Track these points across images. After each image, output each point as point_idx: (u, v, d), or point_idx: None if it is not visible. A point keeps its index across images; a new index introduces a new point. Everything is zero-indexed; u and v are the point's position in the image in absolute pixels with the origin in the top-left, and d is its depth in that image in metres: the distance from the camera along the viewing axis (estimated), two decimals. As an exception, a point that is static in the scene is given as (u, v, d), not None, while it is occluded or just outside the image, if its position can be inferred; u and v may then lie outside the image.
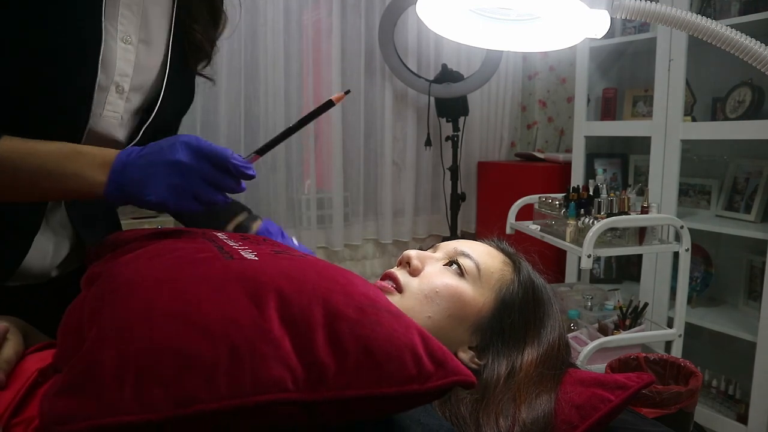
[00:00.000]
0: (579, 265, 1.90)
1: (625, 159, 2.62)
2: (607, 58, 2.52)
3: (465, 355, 0.76)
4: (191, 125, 2.37)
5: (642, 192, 1.77)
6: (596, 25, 0.67)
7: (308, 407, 0.50)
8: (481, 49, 2.70)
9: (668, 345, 1.74)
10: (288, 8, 2.50)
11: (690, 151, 2.22)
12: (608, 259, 2.59)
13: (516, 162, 3.07)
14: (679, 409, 1.12)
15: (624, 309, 1.73)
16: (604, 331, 1.70)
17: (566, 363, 0.80)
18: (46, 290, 0.89)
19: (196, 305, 0.53)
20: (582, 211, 1.69)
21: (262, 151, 0.78)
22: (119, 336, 0.50)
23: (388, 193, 2.89)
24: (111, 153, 0.73)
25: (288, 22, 2.52)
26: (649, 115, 2.27)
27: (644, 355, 1.31)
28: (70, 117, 0.79)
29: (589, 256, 1.54)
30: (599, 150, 2.60)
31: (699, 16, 0.67)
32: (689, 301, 1.96)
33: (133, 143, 0.87)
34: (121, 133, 0.86)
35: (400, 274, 0.79)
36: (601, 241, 1.62)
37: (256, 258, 0.65)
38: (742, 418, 1.98)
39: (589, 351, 1.53)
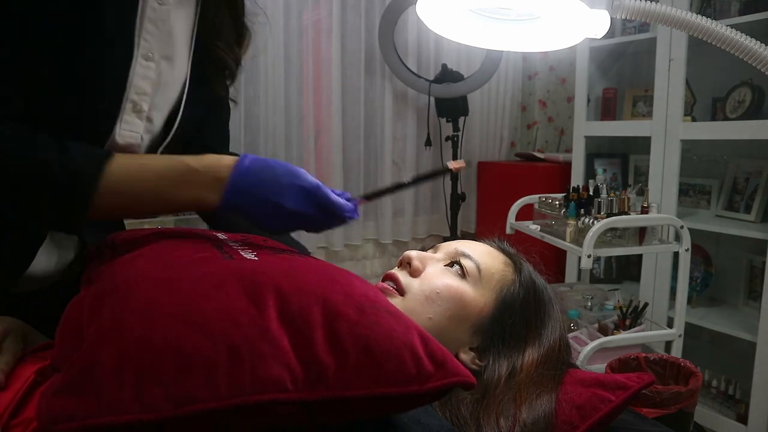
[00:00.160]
0: (579, 265, 1.90)
1: (625, 159, 2.62)
2: (607, 58, 2.52)
3: (466, 356, 0.76)
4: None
5: (642, 192, 1.77)
6: (596, 25, 0.67)
7: (307, 407, 0.50)
8: (481, 49, 2.70)
9: (668, 345, 1.74)
10: (288, 8, 2.50)
11: (690, 151, 2.22)
12: (608, 259, 2.59)
13: (516, 162, 3.07)
14: (679, 409, 1.12)
15: (624, 309, 1.73)
16: (604, 331, 1.70)
17: (567, 363, 0.80)
18: (47, 293, 0.89)
19: (195, 305, 0.53)
20: (582, 211, 1.69)
21: (368, 198, 0.80)
22: (119, 335, 0.50)
23: (388, 193, 2.89)
24: (224, 169, 0.71)
25: (288, 22, 2.52)
26: (649, 115, 2.26)
27: (644, 355, 1.31)
28: (93, 133, 0.77)
29: (589, 256, 1.54)
30: (599, 150, 2.59)
31: (699, 16, 0.67)
32: (689, 301, 1.96)
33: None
34: (141, 151, 0.85)
35: (401, 275, 0.79)
36: (601, 241, 1.62)
37: (256, 258, 0.65)
38: (742, 418, 1.98)
39: (589, 351, 1.53)
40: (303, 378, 0.50)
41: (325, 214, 0.74)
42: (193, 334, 0.50)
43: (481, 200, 3.05)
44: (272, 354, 0.50)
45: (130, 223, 1.06)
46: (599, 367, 1.44)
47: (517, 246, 0.89)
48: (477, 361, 0.76)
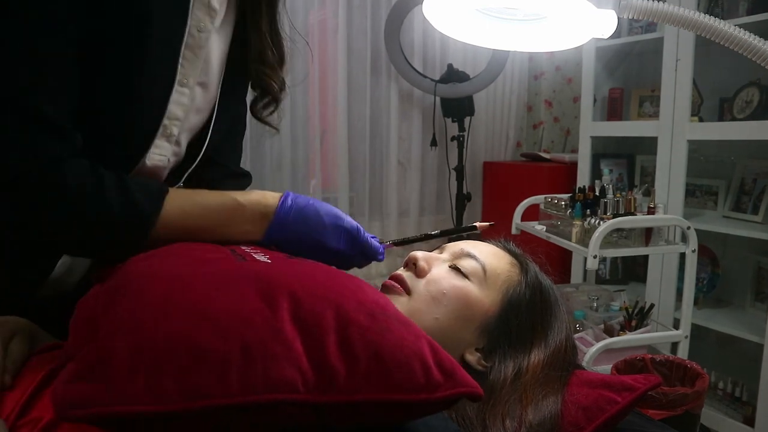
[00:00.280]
0: (585, 265, 1.89)
1: (631, 159, 2.61)
2: (613, 58, 2.52)
3: (472, 357, 0.76)
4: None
5: (648, 192, 1.76)
6: (603, 24, 0.67)
7: (317, 409, 0.51)
8: (487, 49, 2.69)
9: (674, 346, 1.73)
10: (293, 8, 2.50)
11: (697, 151, 2.21)
12: (614, 259, 2.58)
13: (522, 162, 3.06)
14: (685, 411, 1.12)
15: (630, 310, 1.72)
16: (609, 332, 1.69)
17: (573, 364, 0.79)
18: (67, 296, 0.89)
19: (209, 302, 0.54)
20: (588, 211, 1.69)
21: (396, 244, 0.85)
22: (133, 327, 0.51)
23: (394, 194, 2.89)
24: (270, 204, 0.75)
25: (293, 22, 2.51)
26: (655, 115, 2.26)
27: (650, 356, 1.30)
28: (124, 158, 0.77)
29: (595, 257, 1.53)
30: (605, 150, 2.59)
31: (706, 16, 0.67)
32: (696, 302, 1.95)
33: (180, 182, 0.88)
34: (165, 172, 0.86)
35: (407, 275, 0.79)
36: (607, 241, 1.62)
37: (269, 260, 0.66)
38: (749, 420, 1.97)
39: (594, 352, 1.53)
40: (314, 381, 0.51)
41: (361, 255, 0.79)
42: (207, 331, 0.51)
43: (486, 200, 3.05)
44: (285, 355, 0.51)
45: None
46: (605, 368, 1.44)
47: (523, 246, 0.89)
48: (483, 362, 0.76)
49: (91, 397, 0.46)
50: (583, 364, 1.40)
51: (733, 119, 2.09)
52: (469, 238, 0.87)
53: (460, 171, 2.75)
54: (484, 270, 0.79)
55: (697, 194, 2.32)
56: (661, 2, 0.67)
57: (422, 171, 2.97)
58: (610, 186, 1.72)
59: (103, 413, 0.46)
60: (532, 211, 1.98)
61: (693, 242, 1.63)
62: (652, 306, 1.75)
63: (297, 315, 0.54)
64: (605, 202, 1.69)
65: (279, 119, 0.95)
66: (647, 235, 1.67)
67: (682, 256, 1.70)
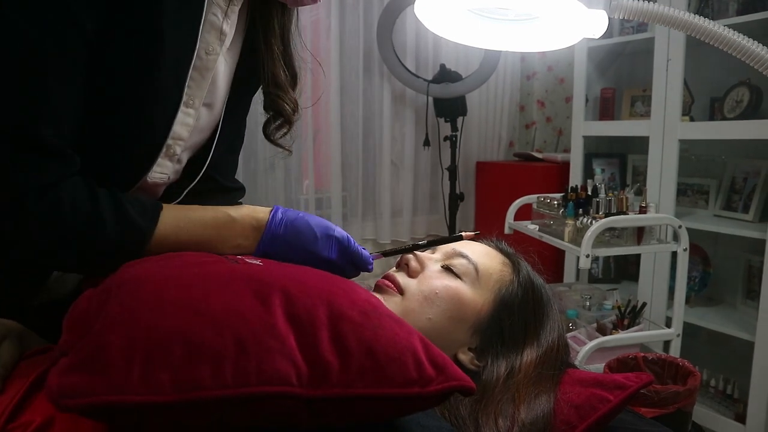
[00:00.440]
0: (577, 264, 1.90)
1: (623, 159, 2.62)
2: (605, 58, 2.53)
3: (465, 357, 0.76)
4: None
5: (640, 192, 1.77)
6: (594, 25, 0.67)
7: (310, 403, 0.51)
8: (479, 49, 2.70)
9: (666, 345, 1.74)
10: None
11: (688, 150, 2.23)
12: (606, 258, 2.59)
13: (514, 162, 3.07)
14: (677, 409, 1.13)
15: (622, 309, 1.73)
16: (602, 330, 1.70)
17: (565, 363, 0.80)
18: (63, 302, 0.88)
19: (203, 298, 0.54)
20: (580, 210, 1.70)
21: (385, 254, 0.85)
22: (128, 321, 0.51)
23: (387, 194, 2.89)
24: (261, 218, 0.76)
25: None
26: (647, 114, 2.27)
27: (642, 354, 1.31)
28: (126, 177, 0.78)
29: (587, 256, 1.54)
30: (597, 150, 2.60)
31: (697, 16, 0.67)
32: (687, 300, 1.96)
33: (179, 199, 0.88)
34: (163, 189, 0.86)
35: (399, 276, 0.80)
36: (600, 240, 1.62)
37: (261, 264, 0.67)
38: (741, 418, 1.98)
39: (587, 351, 1.54)
40: (307, 375, 0.51)
41: (351, 265, 0.79)
42: (202, 325, 0.51)
43: (479, 200, 3.05)
44: (279, 349, 0.51)
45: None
46: (598, 367, 1.44)
47: (516, 246, 0.89)
48: (476, 361, 0.76)
49: (85, 387, 0.47)
50: (576, 362, 1.41)
51: (724, 119, 2.10)
52: (461, 238, 0.88)
53: (452, 171, 2.75)
54: (477, 270, 0.79)
55: (688, 193, 2.33)
56: (651, 2, 0.67)
57: (415, 171, 2.97)
58: (603, 185, 1.72)
59: (98, 403, 0.46)
60: (524, 211, 1.99)
61: (684, 241, 1.64)
62: (644, 305, 1.75)
63: (290, 311, 0.55)
64: (597, 202, 1.69)
65: (291, 141, 0.94)
66: (639, 234, 1.68)
67: (674, 254, 1.71)
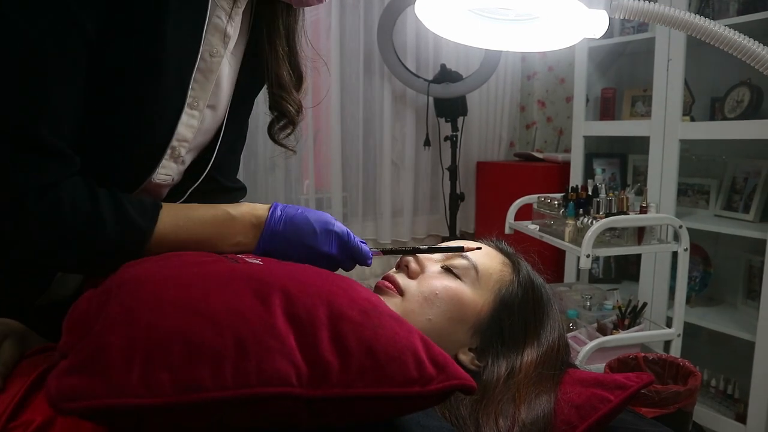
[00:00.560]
0: (578, 264, 1.90)
1: (623, 159, 2.62)
2: (605, 58, 2.52)
3: (465, 357, 0.76)
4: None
5: (641, 192, 1.77)
6: (595, 25, 0.67)
7: (310, 403, 0.51)
8: (479, 49, 2.70)
9: (667, 344, 1.74)
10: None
11: (689, 150, 2.22)
12: (607, 258, 2.59)
13: (515, 162, 3.07)
14: (678, 409, 1.13)
15: (623, 309, 1.73)
16: (603, 330, 1.70)
17: (566, 363, 0.80)
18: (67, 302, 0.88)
19: (203, 298, 0.54)
20: (581, 210, 1.69)
21: (384, 252, 0.86)
22: (128, 322, 0.51)
23: (387, 194, 2.89)
24: (260, 215, 0.76)
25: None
26: (647, 115, 2.27)
27: (643, 354, 1.31)
28: (130, 178, 0.78)
29: (588, 256, 1.54)
30: (598, 150, 2.60)
31: (697, 16, 0.67)
32: (688, 300, 1.96)
33: (183, 199, 0.88)
34: (167, 190, 0.86)
35: (399, 277, 0.80)
36: (600, 240, 1.62)
37: (261, 263, 0.66)
38: (741, 418, 1.98)
39: (588, 351, 1.53)
40: (307, 375, 0.51)
41: (350, 260, 0.79)
42: (201, 325, 0.51)
43: (480, 200, 3.05)
44: (279, 349, 0.51)
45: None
46: (598, 367, 1.44)
47: (516, 246, 0.89)
48: (476, 361, 0.76)
49: (85, 390, 0.46)
50: (577, 362, 1.41)
51: (724, 119, 2.10)
52: (462, 238, 0.88)
53: (453, 171, 2.75)
54: (476, 270, 0.79)
55: (689, 193, 2.33)
56: (652, 2, 0.67)
57: (415, 171, 2.97)
58: (603, 185, 1.72)
59: (98, 406, 0.46)
60: (525, 211, 1.99)
61: (685, 241, 1.64)
62: (644, 305, 1.75)
63: (290, 311, 0.54)
64: (598, 202, 1.69)
65: (296, 141, 0.94)
66: (640, 234, 1.68)
67: (675, 254, 1.71)
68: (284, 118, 0.89)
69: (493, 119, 3.14)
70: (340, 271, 0.78)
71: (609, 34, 2.31)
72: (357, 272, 2.95)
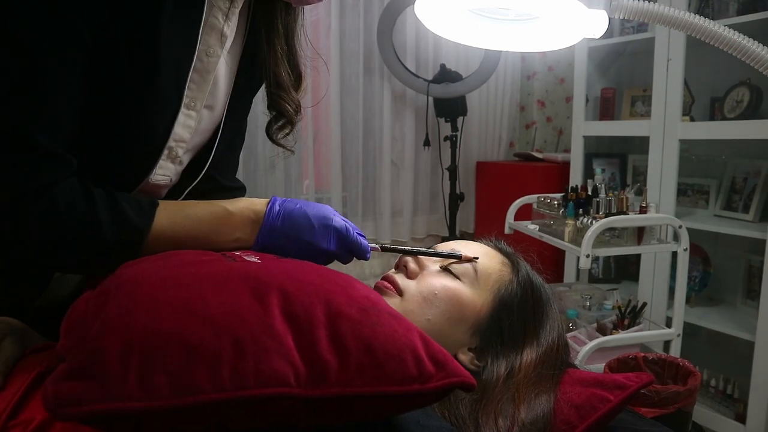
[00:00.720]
0: (578, 264, 1.90)
1: (623, 159, 2.62)
2: (605, 58, 2.53)
3: (465, 357, 0.76)
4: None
5: (640, 192, 1.77)
6: (594, 25, 0.68)
7: (309, 403, 0.51)
8: (479, 49, 2.70)
9: (667, 344, 1.74)
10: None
11: (688, 150, 2.23)
12: (607, 258, 2.59)
13: (514, 162, 3.07)
14: (677, 409, 1.13)
15: (622, 309, 1.73)
16: (602, 330, 1.70)
17: (565, 363, 0.80)
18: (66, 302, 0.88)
19: (200, 299, 0.54)
20: (580, 210, 1.69)
21: (384, 249, 0.85)
22: (125, 324, 0.51)
23: (387, 194, 2.89)
24: (259, 210, 0.76)
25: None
26: (647, 114, 2.27)
27: (643, 354, 1.31)
28: (128, 178, 0.78)
29: (587, 256, 1.54)
30: (598, 150, 2.60)
31: (697, 16, 0.67)
32: (688, 300, 1.96)
33: (180, 199, 0.88)
34: (165, 191, 0.86)
35: (398, 277, 0.80)
36: (600, 240, 1.62)
37: (259, 261, 0.66)
38: (741, 418, 1.98)
39: (587, 351, 1.54)
40: (306, 374, 0.51)
41: (349, 255, 0.79)
42: (199, 326, 0.51)
43: (479, 200, 3.05)
44: (276, 349, 0.51)
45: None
46: (598, 367, 1.44)
47: (516, 246, 0.89)
48: (475, 361, 0.76)
49: (82, 395, 0.46)
50: (576, 362, 1.41)
51: (724, 119, 2.10)
52: (462, 238, 0.88)
53: (453, 171, 2.75)
54: (475, 270, 0.79)
55: (688, 193, 2.33)
56: (651, 2, 0.67)
57: (415, 171, 2.97)
58: (603, 185, 1.72)
59: (96, 411, 0.46)
60: (525, 211, 1.99)
61: (685, 241, 1.64)
62: (644, 305, 1.75)
63: (287, 310, 0.54)
64: (598, 202, 1.69)
65: (294, 141, 0.93)
66: (639, 234, 1.68)
67: (674, 254, 1.71)
68: (282, 117, 0.89)
69: (493, 119, 3.14)
70: (340, 268, 0.78)
71: (609, 34, 2.31)
72: (357, 272, 2.95)
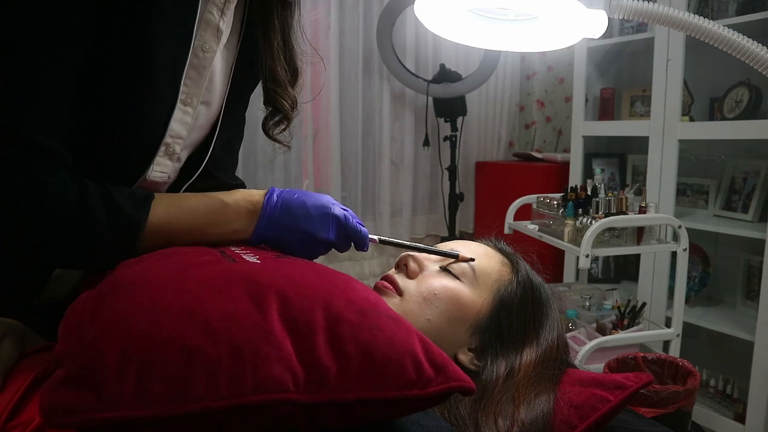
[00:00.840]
0: (577, 264, 1.90)
1: (623, 159, 2.62)
2: (604, 58, 2.53)
3: (465, 357, 0.76)
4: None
5: (640, 192, 1.77)
6: (594, 25, 0.68)
7: (308, 409, 0.50)
8: (479, 49, 2.70)
9: (666, 345, 1.74)
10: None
11: (688, 150, 2.23)
12: (606, 258, 2.59)
13: (514, 162, 3.07)
14: (677, 409, 1.13)
15: (622, 309, 1.73)
16: (602, 330, 1.70)
17: (565, 363, 0.80)
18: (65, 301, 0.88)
19: (198, 305, 0.53)
20: (580, 210, 1.69)
21: (382, 242, 0.84)
22: (122, 330, 0.50)
23: (386, 194, 2.89)
24: (257, 201, 0.75)
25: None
26: (646, 115, 2.27)
27: (642, 354, 1.31)
28: (125, 175, 0.77)
29: (587, 256, 1.54)
30: (597, 150, 2.60)
31: (696, 17, 0.67)
32: (687, 300, 1.96)
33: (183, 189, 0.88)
34: (165, 188, 0.85)
35: (398, 277, 0.80)
36: (599, 240, 1.62)
37: (258, 261, 0.65)
38: (740, 418, 1.98)
39: (587, 351, 1.53)
40: (305, 380, 0.50)
41: (348, 243, 0.78)
42: (197, 333, 0.50)
43: (479, 200, 3.06)
44: (275, 356, 0.50)
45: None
46: (597, 367, 1.44)
47: (516, 246, 0.89)
48: (475, 361, 0.76)
49: (78, 403, 0.46)
50: (576, 362, 1.41)
51: (723, 119, 2.10)
52: (461, 238, 0.88)
53: (452, 171, 2.75)
54: (475, 270, 0.79)
55: (688, 193, 2.33)
56: (651, 3, 0.67)
57: (415, 171, 2.97)
58: (602, 185, 1.72)
59: (92, 420, 0.45)
60: (524, 211, 1.99)
61: (684, 241, 1.64)
62: (644, 305, 1.75)
63: (286, 315, 0.54)
64: (597, 202, 1.69)
65: (290, 137, 0.93)
66: (639, 234, 1.68)
67: (674, 254, 1.71)
68: (279, 113, 0.89)
69: (493, 119, 3.14)
70: (340, 266, 0.77)
71: (608, 34, 2.32)
72: (356, 272, 2.95)
